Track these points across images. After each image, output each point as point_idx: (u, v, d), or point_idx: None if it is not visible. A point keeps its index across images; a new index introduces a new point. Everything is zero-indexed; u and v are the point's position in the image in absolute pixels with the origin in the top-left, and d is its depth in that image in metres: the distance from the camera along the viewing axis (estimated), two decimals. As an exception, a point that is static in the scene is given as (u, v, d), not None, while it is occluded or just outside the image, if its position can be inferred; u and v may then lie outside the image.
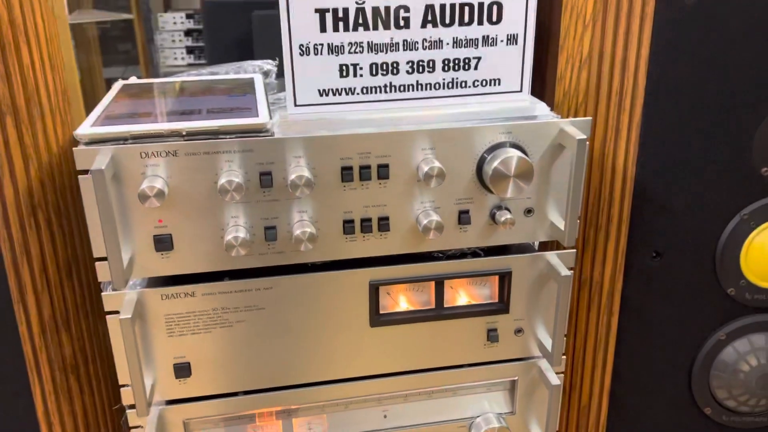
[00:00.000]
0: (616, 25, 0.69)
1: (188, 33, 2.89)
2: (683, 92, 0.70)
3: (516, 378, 0.75)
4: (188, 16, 2.89)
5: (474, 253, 0.71)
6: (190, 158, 0.59)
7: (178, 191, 0.60)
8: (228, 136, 0.60)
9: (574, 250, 0.70)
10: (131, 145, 0.58)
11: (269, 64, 0.85)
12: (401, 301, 0.70)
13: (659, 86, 0.69)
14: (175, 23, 2.87)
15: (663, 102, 0.70)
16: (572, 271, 0.68)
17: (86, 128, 0.59)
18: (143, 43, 2.85)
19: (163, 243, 0.61)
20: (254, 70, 0.84)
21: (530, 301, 0.72)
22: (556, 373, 0.73)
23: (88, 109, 0.68)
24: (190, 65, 2.81)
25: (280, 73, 0.84)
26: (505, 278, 0.70)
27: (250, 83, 0.76)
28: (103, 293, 0.63)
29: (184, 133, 0.59)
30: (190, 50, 2.89)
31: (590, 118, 0.66)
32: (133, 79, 0.81)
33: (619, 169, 0.74)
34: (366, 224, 0.64)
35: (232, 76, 0.82)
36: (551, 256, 0.70)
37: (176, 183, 0.60)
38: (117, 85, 0.77)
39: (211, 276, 0.65)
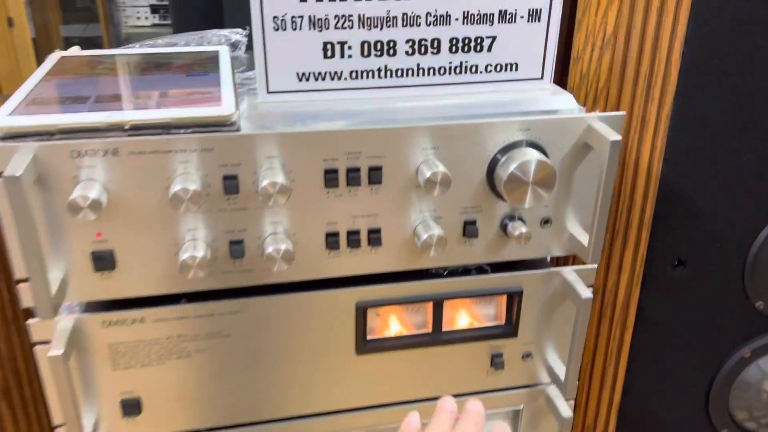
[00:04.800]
0: (648, -2, 0.59)
1: (153, -10, 2.69)
2: (722, 81, 0.61)
3: (521, 407, 0.66)
4: (153, -28, 2.69)
5: (479, 269, 0.61)
6: (136, 158, 0.47)
7: (121, 199, 0.48)
8: (183, 131, 0.48)
9: (595, 266, 0.61)
10: (59, 142, 0.46)
11: (238, 34, 0.73)
12: (393, 323, 0.60)
13: (695, 73, 0.60)
14: (138, -21, 2.67)
15: (698, 91, 0.61)
16: (592, 291, 0.59)
17: (1, 118, 0.47)
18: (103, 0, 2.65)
19: (103, 261, 0.50)
20: (220, 41, 0.72)
21: (541, 322, 0.62)
22: (567, 402, 0.64)
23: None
24: (155, 26, 2.62)
25: (252, 45, 0.72)
26: (514, 298, 0.60)
27: (214, 58, 0.64)
28: (29, 321, 0.52)
29: (127, 127, 0.47)
30: (154, 9, 2.70)
31: (623, 112, 0.56)
32: (73, 50, 0.68)
33: (643, 166, 0.65)
34: (353, 238, 0.54)
35: (193, 48, 0.70)
36: (569, 273, 0.60)
37: (118, 189, 0.48)
38: (52, 58, 0.64)
39: (166, 298, 0.54)
